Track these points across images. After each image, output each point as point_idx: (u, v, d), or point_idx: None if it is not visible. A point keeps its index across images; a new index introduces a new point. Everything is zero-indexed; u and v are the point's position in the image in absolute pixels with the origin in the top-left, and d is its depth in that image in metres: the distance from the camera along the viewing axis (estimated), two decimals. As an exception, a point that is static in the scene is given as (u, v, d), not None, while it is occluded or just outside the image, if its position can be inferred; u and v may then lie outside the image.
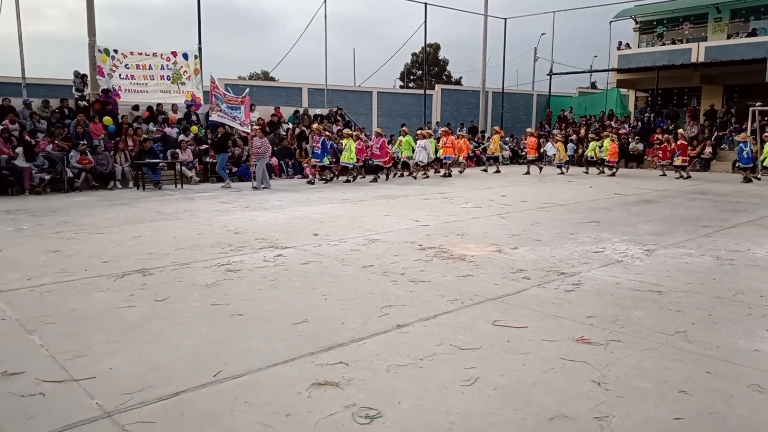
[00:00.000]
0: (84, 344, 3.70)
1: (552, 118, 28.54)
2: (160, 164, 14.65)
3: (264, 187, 14.08)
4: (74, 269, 5.70)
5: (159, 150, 15.37)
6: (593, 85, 43.99)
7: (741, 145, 16.91)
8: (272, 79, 40.66)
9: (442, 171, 18.45)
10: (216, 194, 12.96)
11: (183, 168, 15.23)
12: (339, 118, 21.37)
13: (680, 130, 19.17)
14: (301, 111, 20.95)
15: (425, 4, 25.42)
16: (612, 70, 27.61)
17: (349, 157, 15.91)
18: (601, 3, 28.43)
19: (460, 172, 19.02)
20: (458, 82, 51.57)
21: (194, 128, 16.98)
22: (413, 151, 17.58)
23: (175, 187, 14.42)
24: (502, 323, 4.10)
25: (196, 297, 4.75)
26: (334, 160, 16.08)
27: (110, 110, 16.23)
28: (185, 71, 17.95)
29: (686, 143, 18.29)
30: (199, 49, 18.36)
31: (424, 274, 5.50)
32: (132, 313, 4.33)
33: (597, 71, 32.52)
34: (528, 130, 21.16)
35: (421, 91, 28.82)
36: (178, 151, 15.52)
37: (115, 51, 16.96)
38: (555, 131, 23.43)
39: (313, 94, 25.44)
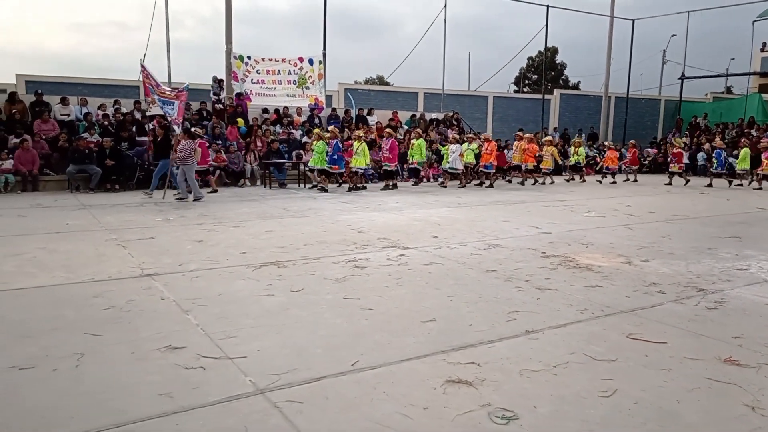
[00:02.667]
0: (233, 326, 4.04)
1: (682, 125, 26.68)
2: (286, 164, 15.49)
3: (196, 198, 11.73)
4: (217, 258, 6.21)
5: (284, 151, 16.25)
6: (728, 90, 40.52)
7: (718, 150, 17.81)
8: (387, 83, 41.50)
9: (484, 180, 16.55)
10: (337, 194, 13.48)
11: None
12: (455, 122, 21.39)
13: (677, 139, 19.32)
14: (418, 115, 21.21)
15: (547, 6, 24.80)
16: (754, 73, 25.41)
17: (358, 161, 14.54)
18: (743, 1, 26.15)
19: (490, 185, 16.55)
20: (576, 87, 49.65)
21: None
22: (425, 156, 16.47)
23: (299, 186, 15.18)
24: (637, 337, 3.94)
25: (328, 290, 5.00)
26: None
27: (241, 112, 17.40)
28: (310, 76, 18.83)
29: (682, 151, 18.59)
30: (324, 55, 19.19)
31: (550, 282, 5.40)
32: (271, 301, 4.66)
33: (736, 75, 30.06)
34: (526, 135, 17.97)
35: (539, 96, 28.11)
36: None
37: (249, 57, 18.17)
38: (550, 137, 20.90)
39: (428, 98, 25.64)
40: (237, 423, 2.70)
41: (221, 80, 18.06)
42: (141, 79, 12.66)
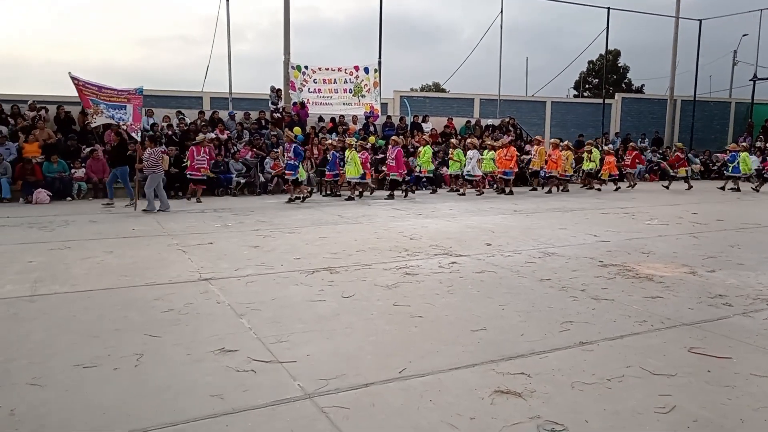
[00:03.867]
0: (285, 331, 4.11)
1: (754, 128, 25.32)
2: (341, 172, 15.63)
3: (160, 209, 11.13)
4: (272, 263, 6.35)
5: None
6: (807, 91, 38.09)
7: (733, 153, 17.34)
8: (443, 90, 41.34)
9: (504, 188, 15.80)
10: (390, 201, 13.52)
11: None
12: (511, 128, 21.09)
13: (678, 144, 19.09)
14: (473, 122, 21.04)
15: (608, 8, 24.12)
16: (835, 73, 23.78)
17: (352, 171, 13.77)
18: (824, -4, 24.60)
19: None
20: (639, 90, 47.92)
21: (372, 138, 17.87)
22: (435, 163, 15.68)
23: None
24: (700, 351, 3.75)
25: (379, 296, 5.02)
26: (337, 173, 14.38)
27: (299, 121, 17.75)
28: (365, 84, 19.03)
29: (682, 155, 18.26)
30: (379, 63, 19.36)
31: (607, 291, 5.23)
32: (323, 307, 4.71)
33: (814, 75, 28.15)
34: (552, 141, 17.11)
35: (599, 101, 27.31)
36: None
37: (306, 67, 18.54)
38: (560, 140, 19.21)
39: (485, 104, 25.39)
40: (284, 427, 2.75)
41: (279, 90, 18.50)
42: (77, 92, 11.18)
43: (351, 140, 14.54)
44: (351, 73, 18.89)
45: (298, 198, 13.25)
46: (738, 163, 17.03)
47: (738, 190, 16.96)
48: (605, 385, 3.22)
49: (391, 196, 14.19)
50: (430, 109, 22.98)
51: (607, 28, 24.44)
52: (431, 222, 9.81)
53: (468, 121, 21.03)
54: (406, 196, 14.63)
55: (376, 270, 6.05)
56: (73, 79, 11.02)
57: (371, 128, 18.78)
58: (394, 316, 4.47)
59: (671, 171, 18.10)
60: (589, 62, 49.84)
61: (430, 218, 10.33)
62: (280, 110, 18.04)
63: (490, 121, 21.38)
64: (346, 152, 14.17)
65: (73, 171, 13.72)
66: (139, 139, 11.50)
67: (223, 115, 17.45)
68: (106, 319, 4.37)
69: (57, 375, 3.33)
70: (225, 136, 16.02)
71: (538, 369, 3.45)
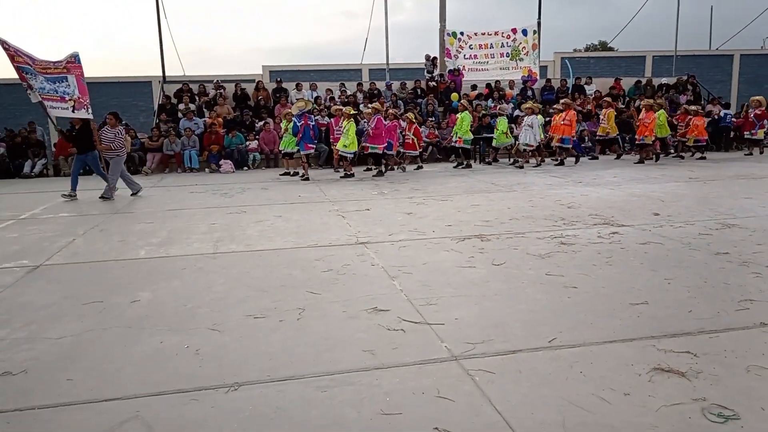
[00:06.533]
0: (434, 294, 4.20)
1: None
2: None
3: (132, 193, 10.04)
4: (424, 230, 6.48)
5: (495, 125, 16.05)
6: None
7: None
8: (610, 49, 38.25)
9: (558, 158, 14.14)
10: (549, 169, 12.99)
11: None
12: (689, 87, 18.98)
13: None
14: (644, 81, 19.27)
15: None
16: None
17: (344, 143, 11.91)
18: None
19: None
20: None
21: (529, 103, 17.20)
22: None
23: (508, 161, 14.94)
24: None
25: (531, 265, 4.90)
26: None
27: (455, 88, 17.65)
28: (523, 47, 18.29)
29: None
30: (538, 24, 18.45)
31: (800, 269, 4.57)
32: (473, 273, 4.72)
33: None
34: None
35: (804, 50, 23.48)
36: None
37: (461, 33, 18.29)
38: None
39: (657, 62, 23.16)
40: (431, 385, 2.83)
41: (434, 58, 18.51)
42: (9, 59, 9.68)
43: (349, 110, 12.57)
44: (508, 37, 18.26)
45: (296, 173, 12.53)
46: None
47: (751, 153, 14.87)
48: (789, 372, 2.86)
49: (380, 173, 12.37)
50: (594, 70, 21.58)
51: (818, -38, 20.77)
52: (592, 190, 9.27)
53: (638, 81, 19.30)
54: (383, 173, 12.51)
55: (529, 239, 5.90)
56: (4, 44, 9.66)
57: (529, 93, 18.09)
58: (546, 286, 4.34)
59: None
60: (792, 6, 42.76)
61: (591, 186, 9.76)
62: (435, 78, 18.07)
63: (664, 80, 19.43)
64: (343, 122, 12.36)
65: (248, 143, 15.08)
66: (90, 116, 10.02)
67: (381, 85, 17.92)
68: (274, 276, 4.80)
69: (232, 322, 3.75)
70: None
71: (707, 349, 3.15)
